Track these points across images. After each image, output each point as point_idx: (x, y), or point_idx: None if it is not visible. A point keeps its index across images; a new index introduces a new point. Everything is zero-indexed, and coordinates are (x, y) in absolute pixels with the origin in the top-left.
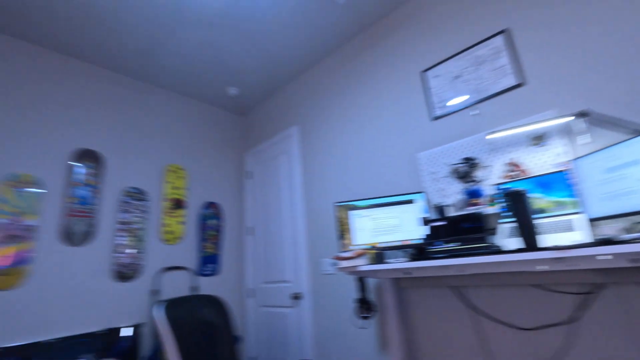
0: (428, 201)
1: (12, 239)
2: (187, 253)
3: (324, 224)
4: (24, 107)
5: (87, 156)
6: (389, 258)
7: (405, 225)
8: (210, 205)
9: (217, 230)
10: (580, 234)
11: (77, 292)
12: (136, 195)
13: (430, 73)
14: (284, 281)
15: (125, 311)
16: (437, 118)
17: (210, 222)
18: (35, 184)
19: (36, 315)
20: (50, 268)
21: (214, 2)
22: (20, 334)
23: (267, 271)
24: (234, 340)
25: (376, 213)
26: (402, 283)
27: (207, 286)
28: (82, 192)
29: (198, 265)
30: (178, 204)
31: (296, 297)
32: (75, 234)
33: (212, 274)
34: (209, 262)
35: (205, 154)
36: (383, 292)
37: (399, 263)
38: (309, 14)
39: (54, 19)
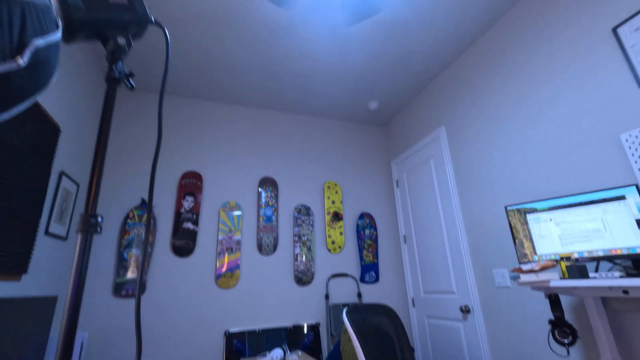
0: None
1: (228, 250)
2: (349, 261)
3: (490, 230)
4: (224, 148)
5: (267, 183)
6: (591, 271)
7: (612, 229)
8: (364, 215)
9: (373, 239)
10: None
11: (270, 292)
12: (304, 211)
13: (625, 28)
14: (449, 292)
15: (305, 311)
16: None
17: (366, 231)
18: (237, 208)
19: (247, 309)
20: (251, 273)
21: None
22: (239, 323)
23: (427, 280)
24: (411, 351)
25: (565, 216)
26: (613, 304)
27: (369, 293)
28: (267, 211)
29: (359, 273)
30: (337, 216)
31: (464, 310)
32: (265, 246)
33: (373, 281)
34: (369, 270)
35: (355, 168)
36: (587, 314)
37: (611, 279)
38: (438, 9)
39: (239, 81)
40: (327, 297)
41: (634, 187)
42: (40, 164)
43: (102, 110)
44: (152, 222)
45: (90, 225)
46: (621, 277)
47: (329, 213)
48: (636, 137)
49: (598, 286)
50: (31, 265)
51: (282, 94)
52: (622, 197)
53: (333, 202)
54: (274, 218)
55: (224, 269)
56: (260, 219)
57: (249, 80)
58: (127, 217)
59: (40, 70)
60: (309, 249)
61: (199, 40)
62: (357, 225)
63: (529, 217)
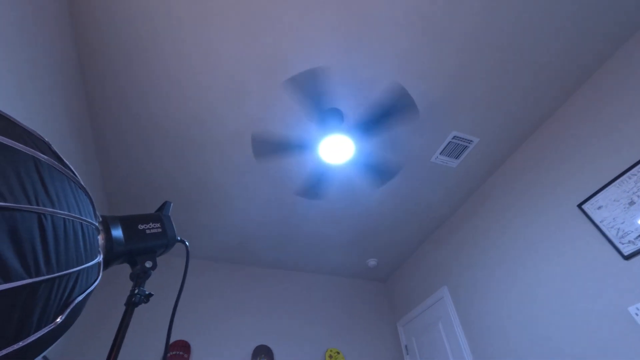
0: None
1: None
2: None
3: None
4: (215, 312)
5: (262, 352)
6: None
7: None
8: None
9: None
10: None
11: None
12: None
13: (589, 205)
14: None
15: None
16: (631, 256)
17: None
18: None
19: None
20: None
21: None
22: None
23: None
24: None
25: None
26: None
27: None
28: None
29: None
30: None
31: None
32: None
33: None
34: None
35: (359, 332)
36: None
37: None
38: (431, 182)
39: (226, 241)
40: None
41: None
42: None
43: (117, 332)
44: None
45: None
46: None
47: None
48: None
49: None
50: None
51: (273, 250)
52: None
53: None
54: None
55: None
56: None
57: (244, 238)
58: None
59: (72, 316)
60: None
61: (189, 205)
62: None
63: None
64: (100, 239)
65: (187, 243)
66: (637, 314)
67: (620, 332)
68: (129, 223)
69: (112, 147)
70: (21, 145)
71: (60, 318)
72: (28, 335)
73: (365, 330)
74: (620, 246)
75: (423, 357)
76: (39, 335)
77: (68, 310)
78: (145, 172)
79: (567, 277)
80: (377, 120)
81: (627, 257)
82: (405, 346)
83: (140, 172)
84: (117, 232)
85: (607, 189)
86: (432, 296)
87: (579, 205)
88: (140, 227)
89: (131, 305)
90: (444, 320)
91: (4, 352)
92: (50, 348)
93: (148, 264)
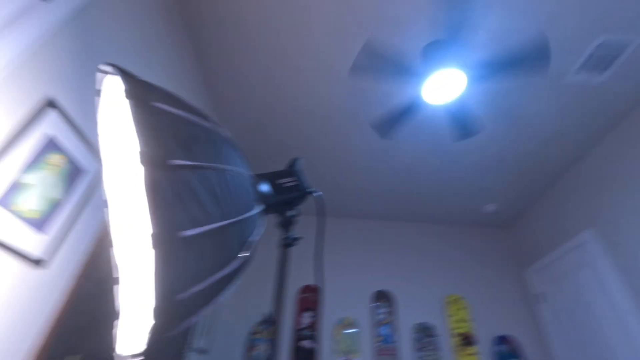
0: None
1: None
2: None
3: None
4: (339, 262)
5: (383, 297)
6: None
7: None
8: (503, 340)
9: None
10: None
11: None
12: (425, 331)
13: None
14: None
15: None
16: None
17: None
18: (353, 325)
19: None
20: None
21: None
22: None
23: None
24: None
25: None
26: None
27: None
28: (384, 330)
29: None
30: (467, 340)
31: None
32: None
33: None
34: None
35: (480, 279)
36: None
37: None
38: (565, 107)
39: (352, 197)
40: None
41: None
42: None
43: (278, 271)
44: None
45: None
46: None
47: (456, 335)
48: None
49: None
50: None
51: (396, 203)
52: None
53: (459, 321)
54: (393, 339)
55: None
56: (378, 339)
57: (369, 193)
58: (252, 332)
59: (251, 255)
60: None
61: (327, 169)
62: (495, 354)
63: None
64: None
65: (320, 193)
66: None
67: None
68: (270, 179)
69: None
70: (194, 117)
71: (246, 252)
72: (230, 263)
73: (487, 278)
74: None
75: (562, 306)
76: (237, 264)
77: (251, 247)
78: (272, 129)
79: None
80: (503, 65)
81: None
82: (539, 294)
83: (263, 132)
84: (266, 187)
85: None
86: (571, 241)
87: None
88: (279, 181)
89: (285, 246)
90: (589, 268)
91: (218, 276)
92: (236, 284)
93: (292, 213)
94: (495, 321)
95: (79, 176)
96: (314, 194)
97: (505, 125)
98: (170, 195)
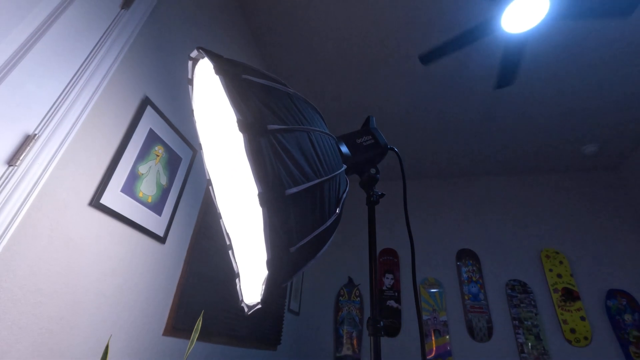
0: None
1: (435, 332)
2: None
3: None
4: (415, 222)
5: (466, 255)
6: None
7: None
8: (616, 293)
9: None
10: None
11: None
12: (519, 287)
13: None
14: None
15: None
16: None
17: (626, 317)
18: (436, 284)
19: None
20: None
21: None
22: None
23: None
24: None
25: None
26: None
27: None
28: (472, 289)
29: None
30: (570, 295)
31: None
32: (477, 330)
33: None
34: None
35: (583, 230)
36: None
37: None
38: None
39: (440, 155)
40: None
41: None
42: None
43: (369, 228)
44: (359, 300)
45: (377, 330)
46: None
47: (556, 290)
48: None
49: None
50: (282, 337)
51: (480, 156)
52: None
53: (559, 276)
54: (481, 296)
55: (432, 354)
56: (466, 297)
57: (444, 153)
58: (338, 294)
59: (341, 213)
60: (538, 337)
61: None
62: (608, 308)
63: None
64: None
65: (396, 150)
66: None
67: None
68: (348, 139)
69: None
70: (278, 85)
71: (338, 209)
72: (328, 219)
73: (591, 227)
74: None
75: None
76: (332, 220)
77: (340, 204)
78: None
79: None
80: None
81: None
82: None
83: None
84: (345, 149)
85: None
86: None
87: None
88: (358, 141)
89: (372, 203)
90: None
91: (319, 230)
92: (332, 237)
93: (372, 171)
94: (604, 274)
95: (177, 163)
96: (393, 150)
97: (600, 48)
98: (272, 157)
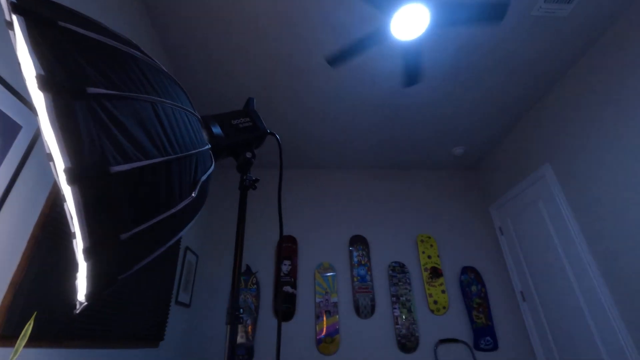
0: None
1: (327, 313)
2: (457, 324)
3: None
4: (315, 211)
5: (358, 241)
6: None
7: None
8: (467, 269)
9: (482, 297)
10: None
11: (373, 358)
12: (398, 268)
13: None
14: None
15: None
16: None
17: (472, 288)
18: (331, 269)
19: None
20: (351, 338)
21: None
22: None
23: (564, 347)
24: None
25: None
26: None
27: None
28: (360, 271)
29: (472, 338)
30: (436, 272)
31: None
32: (362, 308)
33: (491, 348)
34: (483, 335)
35: (449, 218)
36: None
37: None
38: (525, 44)
39: (322, 148)
40: None
41: None
42: (175, 244)
43: (238, 213)
44: (256, 287)
45: (236, 318)
46: None
47: (426, 269)
48: None
49: None
50: (167, 332)
51: (364, 151)
52: None
53: (429, 257)
54: (368, 278)
55: (323, 334)
56: (355, 279)
57: (337, 144)
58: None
59: (202, 195)
60: (410, 310)
61: (289, 117)
62: (461, 282)
63: None
64: (204, 134)
65: (277, 136)
66: None
67: None
68: (223, 120)
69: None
70: (119, 44)
71: (195, 192)
72: (176, 205)
73: (455, 217)
74: None
75: (521, 238)
76: (182, 205)
77: (198, 187)
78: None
79: None
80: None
81: None
82: (500, 227)
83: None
84: (217, 129)
85: None
86: (531, 176)
87: None
88: (234, 122)
89: (244, 188)
90: (545, 200)
91: (164, 215)
92: (190, 225)
93: (248, 155)
94: (461, 255)
95: (13, 132)
96: (273, 135)
97: (475, 57)
98: (92, 126)
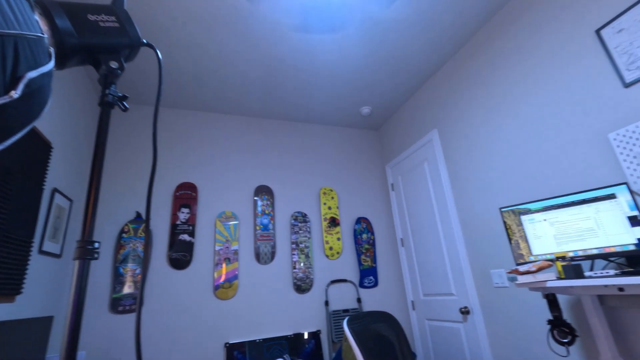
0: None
1: (226, 260)
2: (348, 267)
3: (486, 232)
4: (219, 158)
5: (263, 191)
6: (587, 270)
7: (605, 227)
8: (361, 220)
9: (371, 243)
10: None
11: (269, 301)
12: (301, 218)
13: (608, 30)
14: (448, 294)
15: (305, 318)
16: (631, 84)
17: (364, 236)
18: (233, 218)
19: (246, 319)
20: (250, 282)
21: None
22: (239, 333)
23: (426, 283)
24: (412, 355)
25: (559, 215)
26: (610, 302)
27: (368, 298)
28: (263, 220)
29: (359, 278)
30: (334, 222)
31: (464, 311)
32: (263, 255)
33: (372, 286)
34: (367, 275)
35: (351, 173)
36: (585, 313)
37: (606, 278)
38: (430, 7)
39: (234, 90)
40: (326, 303)
41: (625, 186)
42: (32, 182)
43: (97, 134)
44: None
45: (87, 252)
46: (616, 275)
47: (325, 219)
48: (623, 136)
49: (594, 285)
50: (25, 285)
51: (276, 101)
52: (613, 196)
53: (329, 208)
54: (270, 226)
55: (222, 280)
56: (257, 227)
57: (243, 89)
58: (122, 231)
59: (34, 100)
60: (307, 256)
61: (191, 49)
62: (355, 230)
63: (523, 218)
64: (42, 24)
65: (156, 49)
66: (614, 139)
67: (597, 156)
68: (74, 11)
69: None
70: None
71: (15, 93)
72: None
73: (356, 173)
74: (625, 73)
75: (407, 193)
76: None
77: (21, 84)
78: None
79: (564, 112)
80: None
81: (627, 85)
82: (392, 184)
83: None
84: (64, 22)
85: (634, 8)
86: (422, 139)
87: (597, 31)
88: (91, 17)
89: (105, 105)
90: (429, 161)
91: None
92: (24, 131)
93: (113, 65)
94: (358, 207)
95: None
96: (151, 47)
97: (376, 41)
98: None
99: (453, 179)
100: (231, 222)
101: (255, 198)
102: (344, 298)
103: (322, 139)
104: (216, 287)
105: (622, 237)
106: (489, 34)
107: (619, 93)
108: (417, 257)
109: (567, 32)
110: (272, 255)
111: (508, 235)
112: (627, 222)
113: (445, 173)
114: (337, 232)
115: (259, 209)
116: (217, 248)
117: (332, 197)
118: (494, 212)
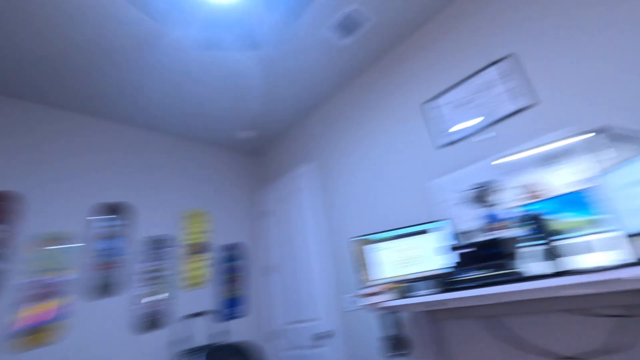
0: (448, 228)
1: (52, 294)
2: (212, 296)
3: (344, 260)
4: (57, 165)
5: (113, 209)
6: (419, 290)
7: (427, 255)
8: (233, 246)
9: (242, 271)
10: (617, 253)
11: (108, 343)
12: (160, 243)
13: (430, 104)
14: (314, 319)
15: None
16: (442, 146)
17: (235, 263)
18: (68, 240)
19: None
20: (83, 322)
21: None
22: None
23: (296, 309)
24: None
25: (397, 245)
26: (438, 314)
27: (238, 329)
28: (110, 243)
29: (226, 308)
30: (200, 248)
31: (324, 336)
32: (101, 286)
33: (241, 315)
34: (237, 304)
35: (222, 197)
36: (418, 327)
37: (421, 296)
38: (312, 56)
39: (90, 88)
40: (181, 341)
41: (444, 221)
42: None
43: None
44: None
45: None
46: (430, 293)
47: (192, 244)
48: (437, 186)
49: (413, 303)
50: None
51: (141, 106)
52: (424, 232)
53: (196, 233)
54: (119, 251)
55: (31, 322)
56: (100, 252)
57: (101, 86)
58: None
59: None
60: (168, 286)
61: (30, 31)
62: (226, 257)
63: (366, 247)
64: None
65: None
66: (430, 188)
67: (420, 199)
68: None
69: None
70: None
71: None
72: None
73: (232, 196)
74: (437, 139)
75: (283, 219)
76: None
77: None
78: None
79: (400, 163)
80: None
81: (438, 148)
82: (268, 210)
83: None
84: None
85: (449, 92)
86: (299, 169)
87: (422, 104)
88: None
89: None
90: (307, 191)
91: None
92: None
93: None
94: (230, 232)
95: None
96: None
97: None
98: None
99: (325, 209)
100: (65, 246)
101: (101, 217)
102: (210, 329)
103: (198, 158)
104: (17, 334)
105: (436, 262)
106: (352, 91)
107: (433, 153)
108: (289, 283)
109: (401, 101)
110: (116, 286)
111: (358, 262)
112: (439, 251)
113: (318, 203)
114: (205, 259)
115: (106, 230)
116: (36, 279)
117: (201, 221)
118: (348, 241)
